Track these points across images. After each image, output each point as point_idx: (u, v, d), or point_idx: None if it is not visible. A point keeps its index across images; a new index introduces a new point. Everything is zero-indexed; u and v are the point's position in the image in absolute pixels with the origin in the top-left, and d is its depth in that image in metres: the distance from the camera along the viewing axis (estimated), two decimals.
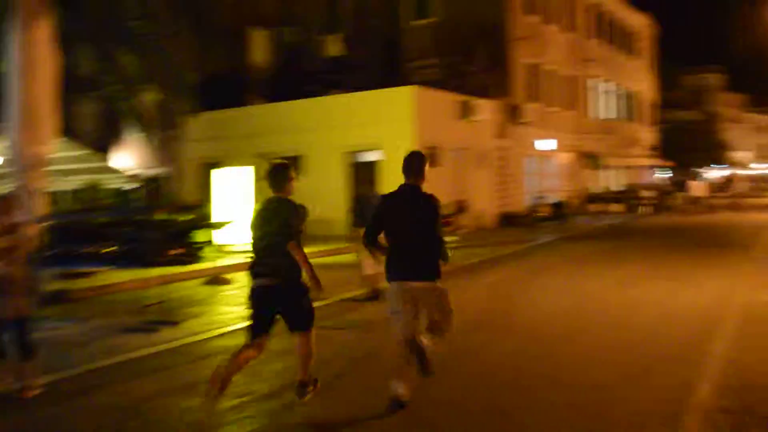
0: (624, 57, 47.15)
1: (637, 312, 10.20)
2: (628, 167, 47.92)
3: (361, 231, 6.26)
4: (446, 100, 25.65)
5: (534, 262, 16.56)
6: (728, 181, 39.04)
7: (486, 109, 27.57)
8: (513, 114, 30.41)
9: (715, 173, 68.12)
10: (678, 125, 64.16)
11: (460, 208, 21.98)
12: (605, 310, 10.35)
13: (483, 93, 28.17)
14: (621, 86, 46.47)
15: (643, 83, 52.14)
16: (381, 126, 23.56)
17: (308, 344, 6.00)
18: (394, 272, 6.02)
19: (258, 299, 5.86)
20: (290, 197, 5.91)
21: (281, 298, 5.81)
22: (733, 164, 78.97)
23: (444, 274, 6.03)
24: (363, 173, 23.94)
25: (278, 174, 5.93)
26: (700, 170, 66.11)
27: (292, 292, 5.82)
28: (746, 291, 11.39)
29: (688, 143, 61.99)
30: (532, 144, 32.95)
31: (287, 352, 7.24)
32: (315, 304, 6.08)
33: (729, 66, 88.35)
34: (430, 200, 6.05)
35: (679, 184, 38.92)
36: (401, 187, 6.15)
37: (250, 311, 5.90)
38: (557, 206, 29.39)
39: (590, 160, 40.44)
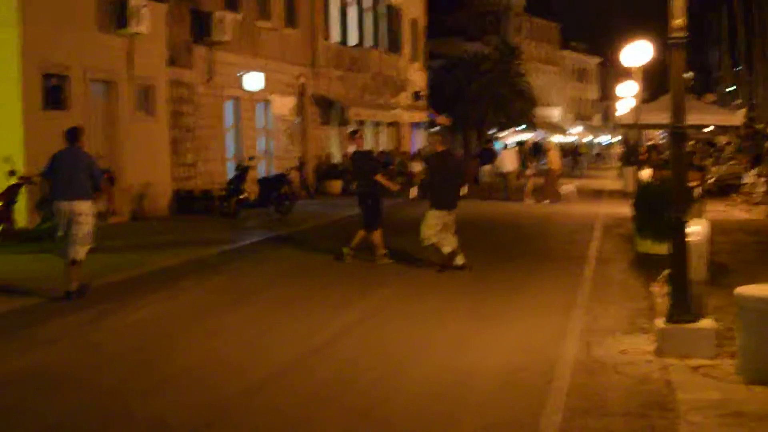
0: None
1: (400, 376, 9.77)
2: (391, 124, 48.65)
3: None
4: None
5: (227, 280, 16.25)
6: (539, 151, 40.77)
7: (153, 17, 26.39)
8: (200, 28, 29.60)
9: (518, 139, 71.68)
10: (459, 63, 66.47)
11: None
12: (344, 374, 9.87)
13: None
14: None
15: None
16: None
17: None
18: None
19: None
20: None
21: None
22: (543, 126, 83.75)
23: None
24: None
25: None
26: (498, 133, 69.18)
27: None
28: (580, 339, 11.25)
29: (473, 91, 64.39)
30: (236, 79, 32.47)
31: None
32: None
33: None
34: None
35: (485, 154, 40.01)
36: None
37: None
38: (273, 183, 28.54)
39: (329, 110, 40.33)
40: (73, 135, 14.36)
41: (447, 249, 16.62)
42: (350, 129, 18.40)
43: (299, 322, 12.15)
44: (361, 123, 45.15)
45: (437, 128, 54.61)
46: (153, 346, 10.94)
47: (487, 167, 38.24)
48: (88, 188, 14.00)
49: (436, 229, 16.58)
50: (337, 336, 11.46)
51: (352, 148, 18.04)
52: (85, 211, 13.89)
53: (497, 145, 52.59)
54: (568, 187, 35.74)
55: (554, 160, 35.10)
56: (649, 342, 10.58)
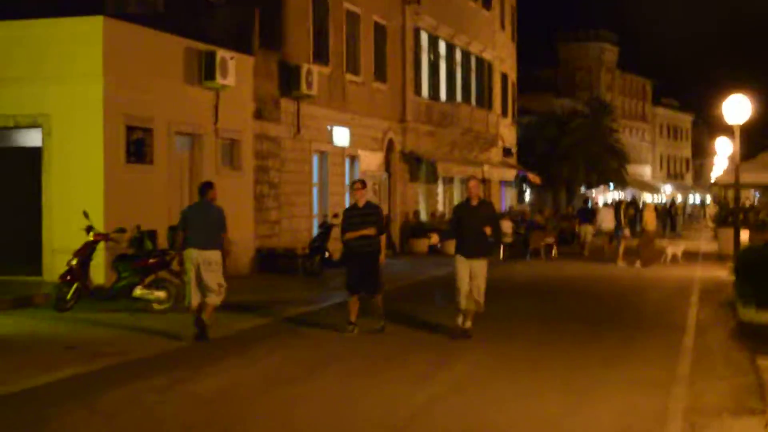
0: (474, 5, 47.61)
1: None
2: (481, 180, 48.05)
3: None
4: (169, 47, 24.19)
5: (305, 346, 15.47)
6: (634, 210, 39.83)
7: (240, 69, 26.23)
8: (288, 81, 29.36)
9: (614, 196, 70.41)
10: (549, 119, 65.75)
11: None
12: None
13: (235, 41, 26.85)
14: (470, 50, 46.59)
15: (503, 49, 52.78)
16: (45, 83, 21.82)
17: None
18: None
19: None
20: None
21: None
22: (634, 184, 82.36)
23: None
24: (12, 166, 22.63)
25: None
26: (589, 191, 68.11)
27: None
28: (684, 421, 10.40)
29: (564, 147, 63.58)
30: (324, 133, 32.23)
31: None
32: None
33: (624, 36, 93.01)
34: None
35: (584, 213, 39.44)
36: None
37: None
38: None
39: (418, 166, 39.96)
40: (204, 189, 15.87)
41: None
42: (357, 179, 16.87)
43: (381, 395, 11.41)
44: (450, 180, 44.81)
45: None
46: (223, 422, 10.16)
47: (587, 227, 37.53)
48: (218, 239, 15.29)
49: None
50: (422, 411, 10.66)
51: (363, 200, 16.22)
52: (214, 259, 15.13)
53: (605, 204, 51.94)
54: (673, 249, 34.54)
55: (650, 220, 33.84)
56: (760, 425, 9.78)
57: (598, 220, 37.13)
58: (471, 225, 15.62)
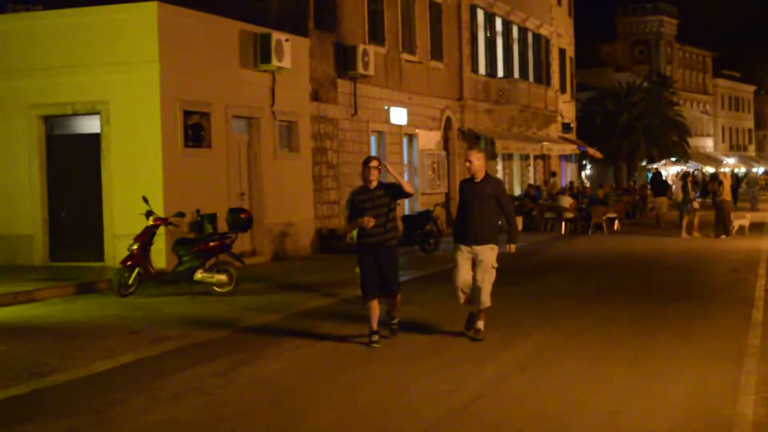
0: None
1: None
2: (539, 156, 47.78)
3: None
4: (224, 31, 24.21)
5: (364, 327, 14.69)
6: (717, 183, 39.20)
7: (296, 51, 26.15)
8: (344, 62, 29.22)
9: (682, 169, 69.46)
10: (609, 93, 65.03)
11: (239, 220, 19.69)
12: None
13: (290, 23, 26.77)
14: (527, 26, 46.18)
15: (560, 24, 52.27)
16: (102, 70, 21.92)
17: None
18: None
19: None
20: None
21: None
22: (696, 157, 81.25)
23: None
24: (72, 153, 22.69)
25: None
26: (650, 165, 67.31)
27: None
28: (757, 395, 10.04)
29: (624, 122, 62.84)
30: (382, 113, 32.03)
31: None
32: None
33: (683, 8, 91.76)
34: None
35: (658, 184, 39.08)
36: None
37: None
38: (418, 220, 27.81)
39: (477, 143, 39.70)
40: None
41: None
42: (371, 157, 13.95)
43: (441, 376, 11.16)
44: (509, 157, 44.46)
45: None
46: (286, 405, 10.00)
47: (662, 199, 37.17)
48: None
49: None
50: (486, 391, 10.39)
51: (376, 181, 13.36)
52: None
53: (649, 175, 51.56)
54: (739, 221, 33.74)
55: (726, 191, 32.95)
56: None
57: (674, 192, 36.64)
58: (474, 205, 13.34)
